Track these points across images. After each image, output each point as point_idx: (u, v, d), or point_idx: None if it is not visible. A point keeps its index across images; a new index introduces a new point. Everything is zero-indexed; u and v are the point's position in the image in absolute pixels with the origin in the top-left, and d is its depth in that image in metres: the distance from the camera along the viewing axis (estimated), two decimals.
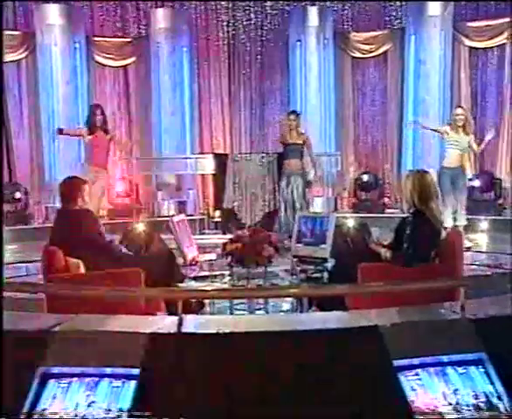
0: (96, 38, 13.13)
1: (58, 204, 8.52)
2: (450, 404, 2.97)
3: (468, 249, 8.18)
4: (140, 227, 9.71)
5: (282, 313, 5.29)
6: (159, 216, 12.17)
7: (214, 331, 3.29)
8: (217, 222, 11.57)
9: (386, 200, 13.06)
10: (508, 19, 12.19)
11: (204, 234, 11.02)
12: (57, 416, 2.93)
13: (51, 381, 3.06)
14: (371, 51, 13.48)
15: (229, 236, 7.44)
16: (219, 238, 9.49)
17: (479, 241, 9.86)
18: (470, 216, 9.57)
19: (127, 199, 12.56)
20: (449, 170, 8.91)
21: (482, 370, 3.11)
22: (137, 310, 4.40)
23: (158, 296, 4.59)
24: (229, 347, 3.19)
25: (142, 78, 13.37)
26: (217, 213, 11.63)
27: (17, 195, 12.10)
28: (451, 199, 8.85)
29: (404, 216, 5.46)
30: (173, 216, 9.74)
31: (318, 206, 12.40)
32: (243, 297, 5.26)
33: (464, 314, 3.53)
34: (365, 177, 13.08)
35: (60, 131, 9.98)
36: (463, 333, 3.32)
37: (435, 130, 9.57)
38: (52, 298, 4.65)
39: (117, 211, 12.27)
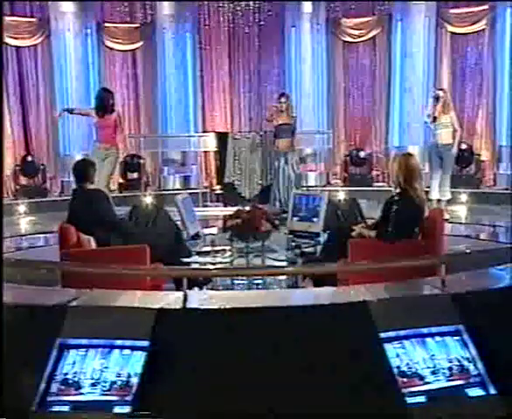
0: (106, 24, 12.99)
1: (72, 179, 8.54)
2: (428, 368, 3.05)
3: (446, 220, 8.22)
4: (147, 200, 9.76)
5: (279, 289, 5.30)
6: (165, 190, 12.27)
7: (216, 306, 3.34)
8: (218, 195, 11.62)
9: (374, 174, 13.04)
10: (486, 7, 12.19)
11: (206, 206, 11.06)
12: (76, 379, 3.05)
13: (72, 350, 3.15)
14: (361, 36, 13.35)
15: (229, 208, 7.45)
16: (221, 210, 9.57)
17: (459, 213, 9.90)
18: (453, 190, 9.59)
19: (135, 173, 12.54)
20: (437, 148, 9.06)
21: (459, 340, 3.16)
22: (144, 283, 4.48)
23: (168, 275, 4.63)
24: (228, 322, 3.24)
25: (149, 61, 13.24)
26: (219, 187, 11.68)
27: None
28: (438, 174, 8.96)
29: (390, 190, 5.48)
30: (178, 190, 9.71)
31: (311, 181, 12.44)
32: (243, 275, 5.30)
33: (444, 289, 3.57)
34: (355, 153, 13.08)
35: (70, 111, 9.87)
36: (443, 306, 3.36)
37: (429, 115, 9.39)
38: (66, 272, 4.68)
39: (126, 185, 12.30)
